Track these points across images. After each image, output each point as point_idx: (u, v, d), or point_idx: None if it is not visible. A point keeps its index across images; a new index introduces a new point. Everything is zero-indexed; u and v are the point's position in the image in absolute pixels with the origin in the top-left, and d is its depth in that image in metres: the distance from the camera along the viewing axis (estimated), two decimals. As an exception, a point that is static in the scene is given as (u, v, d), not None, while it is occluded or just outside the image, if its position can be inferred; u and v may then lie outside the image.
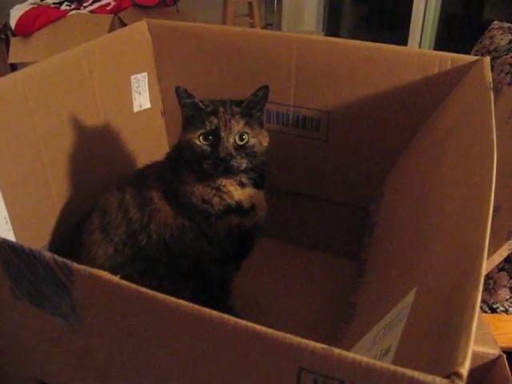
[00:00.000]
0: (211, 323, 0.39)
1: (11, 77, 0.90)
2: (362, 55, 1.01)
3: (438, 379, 0.36)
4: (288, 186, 1.18)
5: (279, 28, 3.64)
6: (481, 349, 0.90)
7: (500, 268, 1.27)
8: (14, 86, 0.88)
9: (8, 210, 0.87)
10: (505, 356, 0.88)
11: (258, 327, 0.38)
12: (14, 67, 2.48)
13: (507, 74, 1.27)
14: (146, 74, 1.17)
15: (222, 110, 0.86)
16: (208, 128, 0.85)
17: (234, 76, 1.11)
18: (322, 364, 0.37)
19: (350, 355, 0.37)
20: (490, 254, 1.18)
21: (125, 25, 2.20)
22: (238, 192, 0.89)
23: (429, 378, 0.36)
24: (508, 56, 1.31)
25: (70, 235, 0.99)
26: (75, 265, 0.46)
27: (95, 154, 1.07)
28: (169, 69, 1.19)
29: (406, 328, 0.52)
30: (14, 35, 2.40)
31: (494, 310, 1.24)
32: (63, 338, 0.54)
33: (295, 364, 0.38)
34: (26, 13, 2.42)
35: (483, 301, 1.24)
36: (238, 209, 0.89)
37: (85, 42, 1.04)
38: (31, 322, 0.56)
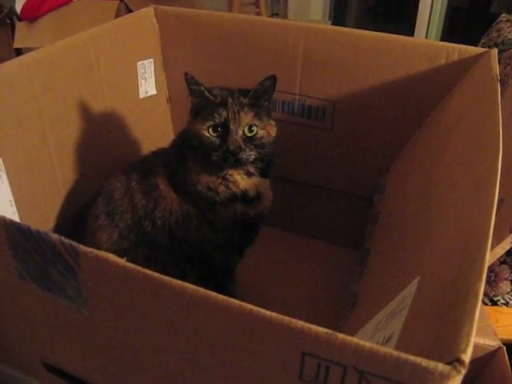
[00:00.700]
0: (216, 306, 0.40)
1: (17, 61, 0.90)
2: (368, 45, 1.00)
3: (440, 365, 0.36)
4: (292, 175, 1.19)
5: (285, 18, 3.62)
6: (481, 340, 0.90)
7: (502, 261, 1.27)
8: (20, 69, 0.88)
9: (13, 194, 0.88)
10: (505, 348, 0.89)
11: (263, 311, 0.38)
12: (18, 52, 2.47)
13: (514, 67, 1.26)
14: (152, 60, 1.17)
15: (230, 101, 0.86)
16: (217, 120, 0.85)
17: (240, 64, 1.11)
18: (326, 349, 0.38)
19: (354, 340, 0.37)
20: (492, 247, 1.18)
21: (130, 11, 2.19)
22: (244, 181, 0.89)
23: (431, 363, 0.36)
24: (515, 49, 1.31)
25: (75, 220, 1.00)
26: (82, 247, 0.46)
27: (100, 139, 1.07)
28: (175, 55, 1.18)
29: (408, 316, 0.52)
30: (20, 20, 2.39)
31: (494, 303, 1.24)
32: (69, 320, 0.55)
33: (299, 348, 0.39)
34: (31, -3, 2.41)
35: (484, 293, 1.24)
36: (244, 197, 0.90)
37: (91, 28, 1.04)
38: (37, 304, 0.57)
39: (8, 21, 2.83)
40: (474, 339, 1.01)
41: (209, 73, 0.98)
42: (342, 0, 3.59)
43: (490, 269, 1.27)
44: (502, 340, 0.90)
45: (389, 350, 0.37)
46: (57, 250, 0.48)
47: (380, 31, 1.02)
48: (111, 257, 0.45)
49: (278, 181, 0.97)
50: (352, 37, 1.02)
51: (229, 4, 3.35)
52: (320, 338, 0.37)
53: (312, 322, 0.39)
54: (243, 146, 0.85)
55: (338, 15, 3.51)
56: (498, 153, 0.58)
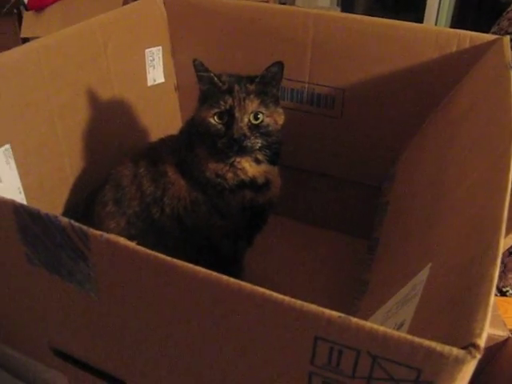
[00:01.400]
0: (228, 290, 0.39)
1: (26, 47, 0.90)
2: (379, 32, 0.99)
3: (455, 349, 0.36)
4: (301, 163, 1.18)
5: (293, 5, 3.60)
6: (490, 331, 0.90)
7: (511, 252, 1.26)
8: (29, 55, 0.87)
9: (21, 181, 0.87)
10: (513, 338, 0.89)
11: (275, 295, 0.38)
12: (25, 42, 2.47)
13: (525, 56, 1.25)
14: (160, 47, 1.16)
15: (237, 88, 0.85)
16: (223, 107, 0.85)
17: (248, 51, 1.10)
18: (339, 333, 0.37)
19: (368, 324, 0.37)
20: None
21: None
22: (252, 168, 0.89)
23: (446, 348, 0.36)
24: (526, 38, 1.29)
25: (83, 207, 1.00)
26: (92, 230, 0.46)
27: (109, 126, 1.07)
28: (183, 43, 1.18)
29: (420, 303, 0.52)
30: (27, 9, 2.39)
31: (503, 294, 1.23)
32: (78, 305, 0.54)
33: (311, 332, 0.38)
34: (39, -13, 2.40)
35: (493, 284, 1.23)
36: (252, 184, 0.89)
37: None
38: (46, 289, 0.56)
39: (15, 11, 2.83)
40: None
41: (217, 60, 0.97)
42: (351, -11, 3.56)
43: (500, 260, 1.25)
44: (511, 330, 0.90)
45: (403, 335, 0.36)
46: (66, 233, 0.48)
47: (388, 21, 1.01)
48: (122, 240, 0.44)
49: (287, 169, 0.97)
50: (362, 24, 1.01)
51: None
52: (333, 322, 0.37)
53: (322, 310, 0.39)
54: (248, 134, 0.84)
55: (347, 4, 3.48)
56: (511, 140, 0.58)
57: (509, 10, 1.52)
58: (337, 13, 1.46)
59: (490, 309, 0.39)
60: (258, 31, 1.09)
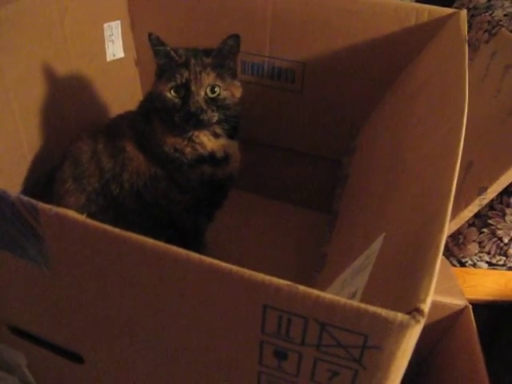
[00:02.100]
0: (177, 260, 0.39)
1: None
2: (338, 6, 0.99)
3: (399, 315, 0.36)
4: (262, 137, 1.18)
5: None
6: (448, 300, 0.92)
7: (470, 223, 1.29)
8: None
9: (-23, 159, 0.86)
10: (471, 307, 0.91)
11: (224, 264, 0.38)
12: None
13: (485, 32, 1.26)
14: (119, 22, 1.14)
15: (193, 61, 0.84)
16: (179, 81, 0.84)
17: (208, 25, 1.09)
18: (287, 301, 0.38)
19: (315, 292, 0.37)
20: (460, 210, 1.19)
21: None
22: (211, 142, 0.89)
23: (390, 313, 0.36)
24: (487, 14, 1.31)
25: (43, 185, 0.98)
26: (41, 204, 0.45)
27: (67, 102, 1.05)
28: (142, 17, 1.16)
29: (372, 272, 0.53)
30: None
31: (462, 264, 1.26)
32: (32, 281, 0.54)
33: (260, 301, 0.39)
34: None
35: (452, 255, 1.27)
36: (211, 159, 0.89)
37: None
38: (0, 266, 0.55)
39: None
40: (440, 300, 1.03)
41: (177, 34, 0.96)
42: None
43: (459, 231, 1.29)
44: (468, 300, 0.92)
45: (349, 301, 0.37)
46: (16, 208, 0.47)
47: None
48: (70, 213, 0.44)
49: (247, 143, 0.96)
50: (322, -3, 1.00)
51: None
52: (281, 290, 0.37)
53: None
54: (205, 107, 0.84)
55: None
56: (463, 112, 0.58)
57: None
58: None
59: (436, 275, 0.40)
60: (218, 5, 1.07)
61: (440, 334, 0.97)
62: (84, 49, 1.07)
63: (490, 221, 1.33)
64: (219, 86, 0.85)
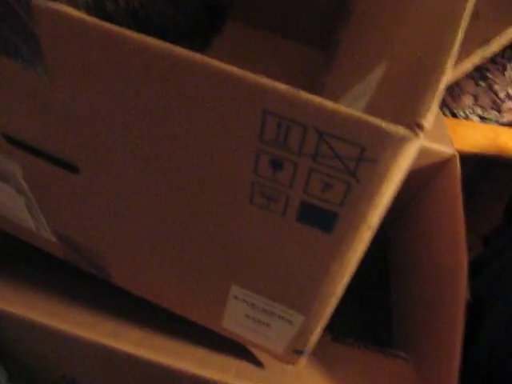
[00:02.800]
0: (180, 60, 0.38)
1: None
2: None
3: (400, 128, 0.36)
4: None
5: None
6: (437, 146, 0.93)
7: (468, 75, 1.27)
8: None
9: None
10: (458, 156, 0.92)
11: (224, 65, 0.37)
12: None
13: None
14: None
15: None
16: None
17: None
18: (287, 106, 0.37)
19: (317, 99, 0.37)
20: (461, 61, 1.17)
21: None
22: None
23: (391, 126, 0.36)
24: None
25: None
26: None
27: None
28: None
29: (372, 96, 0.52)
30: None
31: (454, 115, 1.26)
32: (28, 89, 0.52)
33: (260, 106, 0.38)
34: None
35: (446, 105, 1.26)
36: None
37: None
38: None
39: None
40: (429, 146, 1.04)
41: None
42: None
43: (456, 82, 1.27)
44: (457, 150, 0.93)
45: (350, 110, 0.36)
46: (8, 4, 0.45)
47: None
48: (67, 9, 0.42)
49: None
50: None
51: None
52: (282, 94, 0.37)
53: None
54: None
55: None
56: None
57: None
58: None
59: (439, 94, 0.39)
60: None
61: (425, 180, 0.99)
62: None
63: (488, 74, 1.31)
64: None
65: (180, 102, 0.42)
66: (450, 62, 0.42)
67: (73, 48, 0.44)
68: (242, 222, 0.50)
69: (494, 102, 1.26)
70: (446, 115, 1.22)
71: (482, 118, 1.25)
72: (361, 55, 0.72)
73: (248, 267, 0.58)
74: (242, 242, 0.54)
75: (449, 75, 0.42)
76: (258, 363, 0.76)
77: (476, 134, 1.24)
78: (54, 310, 0.81)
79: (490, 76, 1.27)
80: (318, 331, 0.63)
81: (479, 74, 1.26)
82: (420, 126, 0.36)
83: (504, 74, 1.29)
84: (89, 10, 0.84)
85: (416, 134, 0.36)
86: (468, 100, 1.25)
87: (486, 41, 1.13)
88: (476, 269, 0.87)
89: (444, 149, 0.93)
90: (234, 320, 0.69)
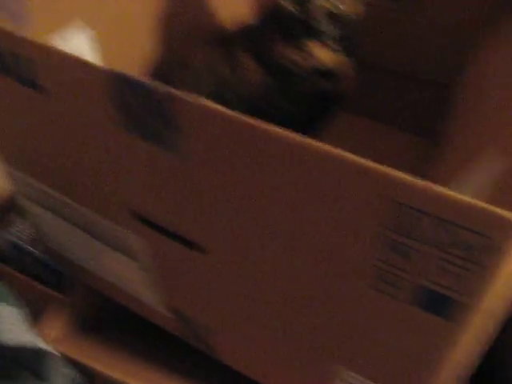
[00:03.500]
0: (322, 155, 0.42)
1: None
2: None
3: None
4: (373, 58, 1.16)
5: None
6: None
7: None
8: None
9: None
10: None
11: (357, 158, 0.40)
12: None
13: None
14: None
15: None
16: None
17: None
18: (416, 198, 0.40)
19: (449, 191, 0.38)
20: None
21: None
22: (325, 56, 0.88)
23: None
24: None
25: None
26: (179, 92, 0.48)
27: (178, 9, 1.06)
28: None
29: (490, 188, 0.53)
30: None
31: None
32: (163, 169, 0.57)
33: (388, 196, 0.41)
34: None
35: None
36: (324, 72, 0.89)
37: None
38: (131, 151, 0.59)
39: None
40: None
41: None
42: None
43: None
44: None
45: (478, 202, 0.38)
46: (151, 94, 0.50)
47: None
48: (207, 102, 0.46)
49: (361, 65, 0.96)
50: None
51: None
52: (412, 186, 0.39)
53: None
54: (323, 20, 0.84)
55: None
56: None
57: None
58: None
59: None
60: None
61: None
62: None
63: None
64: (341, 1, 0.84)
65: (313, 190, 0.45)
66: None
67: (210, 137, 0.49)
68: (362, 305, 0.52)
69: None
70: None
71: None
72: (467, 145, 0.73)
73: (358, 350, 0.58)
74: (357, 325, 0.55)
75: None
76: None
77: None
78: (153, 378, 0.84)
79: None
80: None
81: None
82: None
83: None
84: (209, 97, 0.92)
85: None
86: None
87: None
88: None
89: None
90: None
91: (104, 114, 0.57)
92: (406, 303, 0.48)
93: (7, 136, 0.76)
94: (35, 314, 0.79)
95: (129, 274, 0.79)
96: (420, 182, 0.38)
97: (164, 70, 1.00)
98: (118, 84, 0.52)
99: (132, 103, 0.53)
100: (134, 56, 0.99)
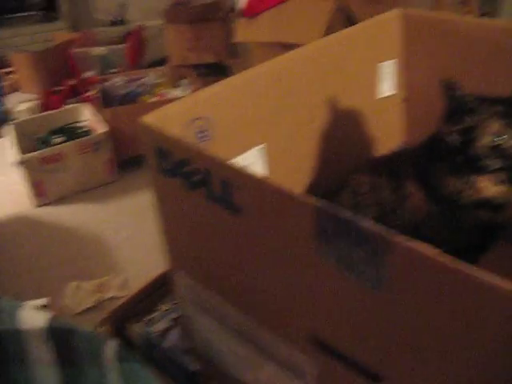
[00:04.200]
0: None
1: (270, 64, 0.99)
2: None
3: None
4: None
5: (496, 18, 3.42)
6: None
7: None
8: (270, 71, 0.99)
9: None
10: None
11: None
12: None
13: None
14: (392, 62, 1.20)
15: (480, 107, 0.87)
16: (465, 125, 0.87)
17: (482, 71, 1.10)
18: None
19: None
20: None
21: (346, 10, 2.24)
22: (491, 188, 0.89)
23: None
24: None
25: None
26: (394, 235, 0.52)
27: (337, 134, 1.14)
28: (416, 58, 1.20)
29: None
30: (243, 16, 2.58)
31: None
32: (355, 301, 0.60)
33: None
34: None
35: None
36: (489, 204, 0.90)
37: (304, 26, 1.12)
38: (327, 281, 0.62)
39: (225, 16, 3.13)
40: None
41: (450, 76, 0.98)
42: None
43: None
44: None
45: None
46: (364, 234, 0.55)
47: None
48: (424, 248, 0.49)
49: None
50: None
51: (436, 2, 3.25)
52: None
53: None
54: (487, 154, 0.85)
55: None
56: None
57: None
58: None
59: None
60: (494, 52, 1.08)
61: None
62: (356, 87, 1.17)
63: None
64: (505, 135, 0.86)
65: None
66: None
67: (418, 278, 0.52)
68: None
69: None
70: None
71: None
72: None
73: None
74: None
75: None
76: None
77: None
78: None
79: None
80: None
81: None
82: None
83: None
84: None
85: None
86: None
87: None
88: None
89: None
90: None
91: (302, 240, 0.61)
92: None
93: (185, 243, 0.82)
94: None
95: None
96: None
97: (323, 189, 1.05)
98: (320, 217, 0.57)
99: (333, 234, 0.57)
100: (298, 174, 1.06)
